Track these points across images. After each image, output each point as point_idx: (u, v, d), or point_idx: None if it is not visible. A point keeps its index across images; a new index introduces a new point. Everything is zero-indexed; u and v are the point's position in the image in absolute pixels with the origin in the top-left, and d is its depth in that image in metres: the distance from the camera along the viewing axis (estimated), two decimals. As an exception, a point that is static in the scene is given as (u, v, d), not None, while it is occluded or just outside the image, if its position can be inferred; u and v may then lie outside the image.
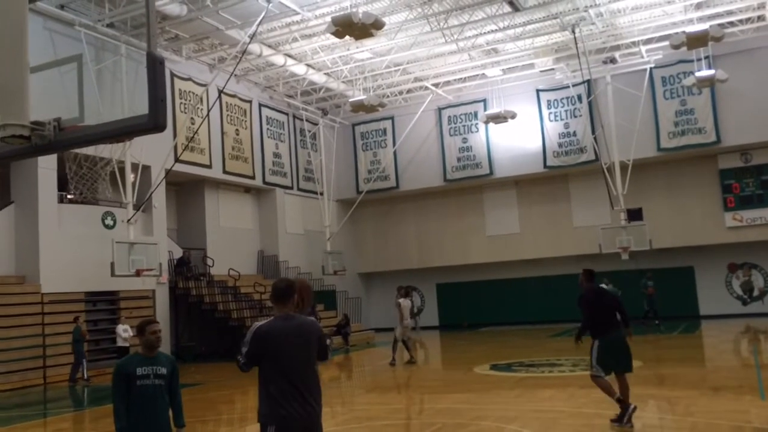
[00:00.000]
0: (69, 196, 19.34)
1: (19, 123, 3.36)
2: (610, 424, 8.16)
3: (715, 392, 10.81)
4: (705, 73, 21.91)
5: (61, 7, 16.91)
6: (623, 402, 8.11)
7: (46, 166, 17.41)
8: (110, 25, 17.86)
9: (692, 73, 22.61)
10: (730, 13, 21.22)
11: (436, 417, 10.04)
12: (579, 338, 8.67)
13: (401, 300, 16.89)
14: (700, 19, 20.76)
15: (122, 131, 3.57)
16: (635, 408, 8.09)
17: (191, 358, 20.65)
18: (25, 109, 3.41)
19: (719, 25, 21.00)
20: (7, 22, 3.47)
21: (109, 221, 19.23)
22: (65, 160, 16.71)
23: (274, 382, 4.20)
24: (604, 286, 22.11)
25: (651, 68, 24.28)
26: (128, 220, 18.33)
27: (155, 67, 3.23)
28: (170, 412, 4.98)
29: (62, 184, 18.60)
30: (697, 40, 19.36)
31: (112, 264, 17.28)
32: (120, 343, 16.91)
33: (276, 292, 4.42)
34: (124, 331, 16.88)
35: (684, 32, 19.65)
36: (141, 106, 3.39)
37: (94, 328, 18.51)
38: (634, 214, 24.35)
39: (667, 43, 21.34)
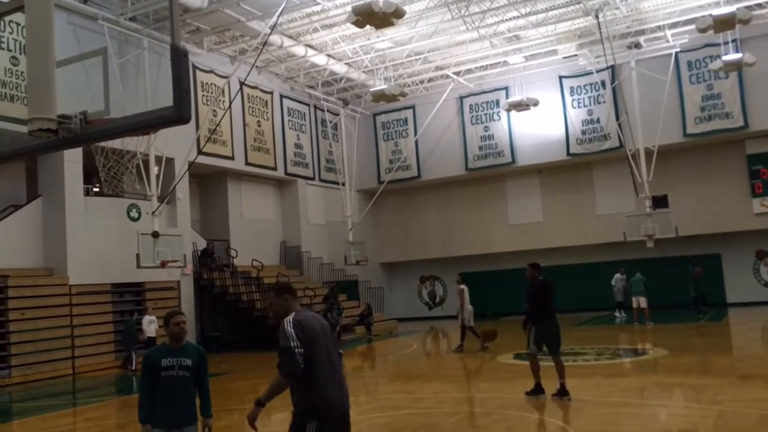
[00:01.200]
0: (95, 189, 19.61)
1: (46, 117, 3.40)
2: (552, 398, 9.31)
3: (743, 381, 10.66)
4: (732, 56, 21.47)
5: (84, 1, 17.06)
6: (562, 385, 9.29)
7: (72, 159, 17.64)
8: (132, 19, 17.97)
9: (719, 56, 22.16)
10: (757, -6, 20.78)
11: (460, 406, 10.05)
12: (526, 326, 9.70)
13: (463, 286, 16.86)
14: (727, 2, 20.30)
15: (147, 123, 3.59)
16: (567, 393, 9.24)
17: (216, 348, 20.87)
18: (52, 103, 3.45)
19: (746, 7, 20.52)
20: (34, 17, 3.50)
21: (134, 213, 19.45)
22: (94, 153, 16.92)
23: (314, 371, 4.17)
24: (618, 275, 22.05)
25: (676, 52, 23.86)
26: (153, 212, 18.53)
27: (179, 59, 3.24)
28: (197, 402, 5.02)
29: (88, 177, 18.85)
30: (723, 23, 18.96)
31: (138, 256, 17.50)
32: (148, 334, 17.10)
33: (289, 287, 4.48)
34: (150, 323, 17.08)
35: (710, 15, 19.26)
36: (164, 99, 3.41)
37: (121, 319, 18.77)
38: (660, 201, 24.01)
39: (693, 26, 20.94)
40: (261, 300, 21.82)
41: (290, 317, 4.27)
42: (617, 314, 22.05)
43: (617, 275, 22.16)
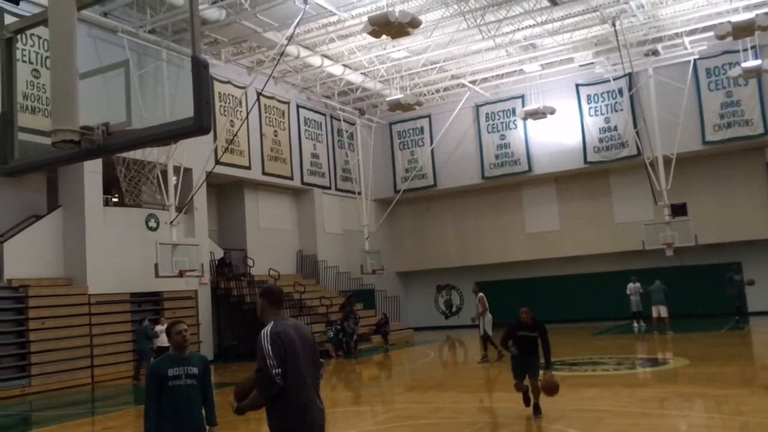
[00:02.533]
0: (114, 199, 19.80)
1: (69, 128, 3.45)
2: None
3: (766, 391, 10.49)
4: (751, 63, 21.27)
5: (105, 14, 17.31)
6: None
7: (92, 169, 17.83)
8: (152, 31, 18.21)
9: (738, 63, 21.98)
10: (777, 0, 20.58)
11: (478, 416, 9.98)
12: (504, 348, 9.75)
13: (482, 294, 16.79)
14: (746, 8, 20.17)
15: (168, 134, 3.63)
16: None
17: (233, 357, 20.93)
18: (74, 114, 3.49)
19: (765, 13, 20.32)
20: (57, 30, 3.56)
21: (152, 223, 19.61)
22: (115, 164, 17.13)
23: (293, 387, 4.04)
24: (631, 284, 21.65)
25: (695, 60, 23.69)
26: (171, 222, 18.67)
27: (200, 70, 3.27)
28: (203, 411, 5.03)
29: (107, 188, 19.05)
30: (743, 30, 18.82)
31: (156, 265, 17.63)
32: (158, 343, 17.09)
33: (276, 294, 4.32)
34: (161, 332, 17.06)
35: (729, 22, 19.13)
36: (183, 109, 3.45)
37: (139, 328, 18.87)
38: (679, 210, 23.78)
39: (711, 33, 20.79)
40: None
41: (268, 329, 4.09)
42: (636, 324, 21.72)
43: (631, 284, 21.77)
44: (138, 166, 17.37)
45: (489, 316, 16.74)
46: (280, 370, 3.97)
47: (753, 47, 22.09)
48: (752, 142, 23.65)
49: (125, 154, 16.75)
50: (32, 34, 15.52)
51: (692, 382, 11.71)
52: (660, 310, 19.76)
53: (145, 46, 18.13)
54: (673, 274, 23.52)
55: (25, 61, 15.71)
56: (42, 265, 17.39)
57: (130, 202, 18.58)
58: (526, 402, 9.42)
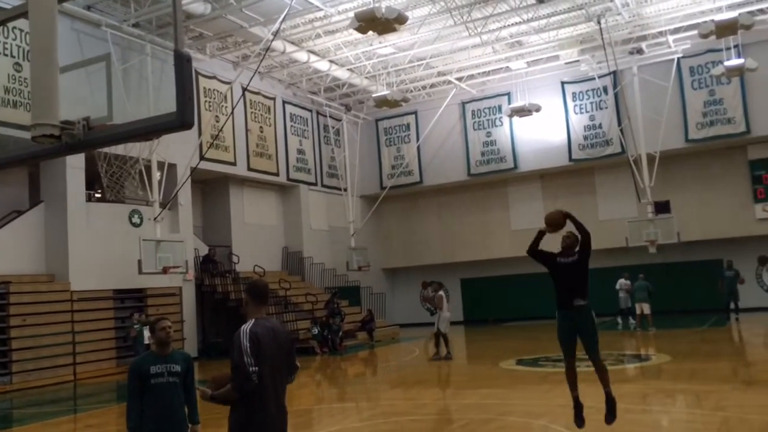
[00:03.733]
0: (97, 195, 19.61)
1: (49, 122, 3.40)
2: None
3: (747, 386, 10.63)
4: (734, 62, 21.48)
5: (88, 8, 17.12)
6: None
7: (75, 165, 17.65)
8: (136, 25, 18.04)
9: (721, 62, 22.19)
10: None
11: (463, 412, 10.01)
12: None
13: (441, 292, 16.93)
14: (729, 7, 20.35)
15: (150, 129, 3.59)
16: None
17: (217, 354, 20.83)
18: (55, 108, 3.44)
19: (749, 12, 20.53)
20: (37, 23, 3.50)
21: (136, 219, 19.46)
22: (96, 159, 16.96)
23: (261, 388, 4.03)
24: (622, 280, 21.82)
25: (678, 58, 23.88)
26: (155, 218, 18.53)
27: (182, 64, 3.23)
28: (186, 409, 5.01)
29: (90, 183, 18.86)
30: (726, 29, 18.98)
31: (140, 261, 17.50)
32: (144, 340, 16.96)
33: (260, 291, 4.28)
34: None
35: (713, 21, 19.27)
36: (166, 104, 3.41)
37: (122, 326, 18.75)
38: (662, 207, 23.98)
39: (695, 32, 20.94)
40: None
41: (247, 327, 4.08)
42: (619, 320, 21.92)
43: (621, 280, 21.96)
44: (119, 161, 17.18)
45: (447, 314, 16.78)
46: (257, 368, 3.97)
47: (736, 46, 22.29)
48: (734, 141, 23.88)
49: (106, 149, 16.58)
50: (14, 27, 15.30)
51: (674, 378, 11.82)
52: (643, 307, 19.98)
53: (129, 40, 17.97)
54: (656, 271, 23.71)
55: (6, 55, 15.50)
56: (24, 260, 17.20)
57: (111, 198, 18.39)
58: (579, 419, 7.27)
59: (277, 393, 4.15)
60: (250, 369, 3.95)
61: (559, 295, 7.43)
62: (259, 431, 4.03)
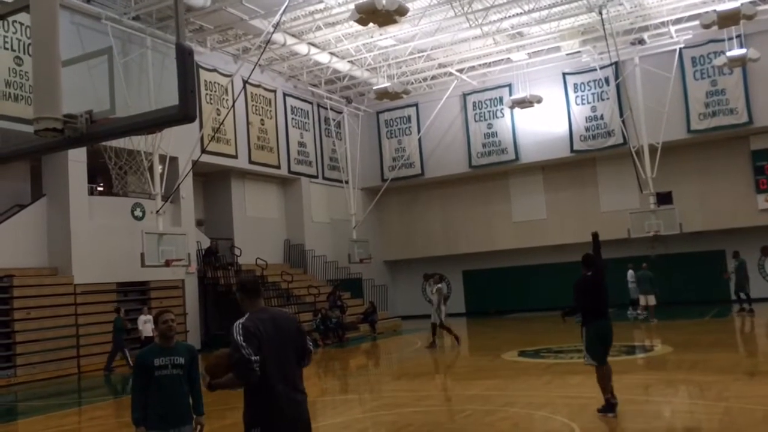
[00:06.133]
0: (99, 188, 19.63)
1: (52, 116, 3.41)
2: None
3: (749, 377, 10.64)
4: (736, 52, 21.41)
5: (88, 1, 17.09)
6: None
7: (77, 158, 17.67)
8: (136, 18, 18.00)
9: (723, 52, 22.11)
10: (762, -10, 20.70)
11: (465, 404, 10.04)
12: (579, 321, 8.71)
13: (441, 285, 17.50)
14: (731, -3, 20.26)
15: (153, 123, 3.60)
16: None
17: (220, 346, 20.87)
18: (57, 102, 3.45)
19: (751, 2, 20.45)
20: (39, 16, 3.51)
21: (138, 212, 19.49)
22: (102, 152, 16.99)
23: (268, 381, 4.03)
24: (631, 272, 21.67)
25: (680, 48, 23.80)
26: (157, 211, 18.55)
27: (185, 58, 3.24)
28: (190, 400, 5.02)
29: (92, 176, 18.88)
30: (728, 19, 18.91)
31: (142, 255, 17.53)
32: (145, 333, 17.02)
33: (249, 286, 4.31)
34: (145, 322, 17.00)
35: (715, 11, 19.20)
36: (168, 97, 3.41)
37: (125, 318, 18.79)
38: (664, 198, 23.95)
39: (697, 22, 20.88)
40: (264, 299, 21.79)
41: (240, 322, 4.09)
42: (630, 311, 21.60)
43: (630, 271, 21.75)
44: (127, 154, 17.26)
45: (443, 308, 17.33)
46: (257, 357, 3.96)
47: (738, 36, 22.20)
48: (737, 131, 23.83)
49: (114, 143, 16.63)
50: (14, 21, 15.28)
51: (676, 369, 11.85)
52: (648, 299, 19.86)
53: (129, 33, 17.92)
54: (658, 262, 23.69)
55: (7, 48, 15.49)
56: (27, 254, 17.24)
57: (117, 191, 18.45)
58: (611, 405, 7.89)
59: (288, 379, 4.14)
60: (252, 359, 3.93)
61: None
62: (272, 419, 4.04)
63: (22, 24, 15.44)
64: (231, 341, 4.02)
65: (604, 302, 8.43)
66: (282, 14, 18.42)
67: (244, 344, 3.96)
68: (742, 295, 20.34)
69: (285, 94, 25.95)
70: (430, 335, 17.52)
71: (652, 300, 19.81)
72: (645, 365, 12.95)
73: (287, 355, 4.18)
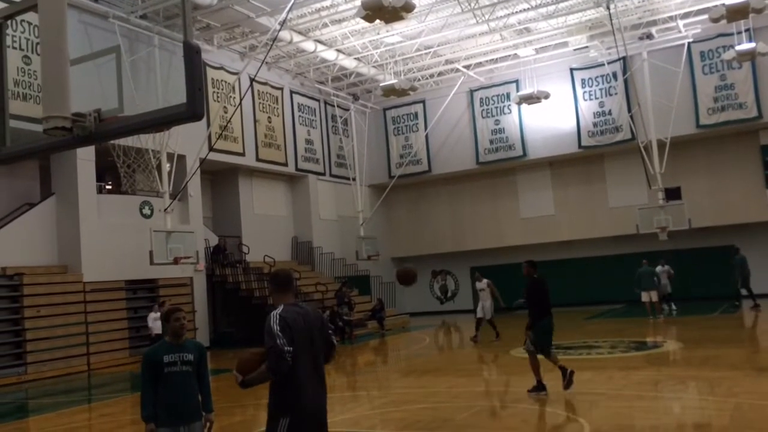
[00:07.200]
0: (107, 187, 19.71)
1: (61, 115, 3.42)
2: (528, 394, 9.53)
3: (759, 373, 10.59)
4: (745, 46, 21.26)
5: (95, 0, 17.14)
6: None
7: (85, 157, 17.75)
8: (143, 17, 18.06)
9: (732, 46, 21.96)
10: (771, -17, 20.51)
11: (474, 400, 10.04)
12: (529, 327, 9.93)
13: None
14: (740, -9, 20.09)
15: (161, 121, 3.60)
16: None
17: (229, 344, 20.97)
18: (66, 101, 3.46)
19: (760, -4, 20.31)
20: (47, 16, 3.52)
21: (146, 210, 19.56)
22: (111, 151, 17.08)
23: (296, 373, 4.09)
24: (659, 267, 21.12)
25: (689, 43, 23.66)
26: (165, 209, 18.62)
27: (192, 56, 3.24)
28: (199, 398, 5.05)
29: (100, 175, 18.96)
30: (737, 13, 18.78)
31: (151, 252, 17.60)
32: (155, 330, 17.09)
33: (282, 279, 4.38)
34: (155, 320, 17.07)
35: (723, 5, 19.07)
36: (175, 95, 3.42)
37: (134, 316, 18.91)
38: (673, 193, 23.85)
39: (705, 16, 20.76)
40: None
41: (277, 312, 4.16)
42: (665, 306, 21.13)
43: (659, 267, 20.84)
44: (136, 153, 17.34)
45: (488, 302, 17.63)
46: (291, 348, 4.02)
47: (747, 30, 22.07)
48: (746, 126, 23.68)
49: (122, 141, 16.72)
50: (23, 20, 15.36)
51: (686, 365, 11.81)
52: (651, 295, 19.60)
53: (136, 31, 17.98)
54: (667, 257, 23.60)
55: (15, 48, 15.56)
56: (36, 253, 17.35)
57: (126, 189, 18.54)
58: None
59: (316, 372, 4.23)
60: (285, 349, 4.00)
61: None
62: (299, 411, 4.09)
63: (30, 23, 15.51)
64: (266, 330, 4.08)
65: (549, 302, 9.91)
66: (288, 12, 18.40)
67: (280, 334, 4.03)
68: (744, 292, 20.25)
69: (292, 92, 25.97)
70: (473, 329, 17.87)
71: (654, 296, 19.60)
72: (654, 361, 12.89)
73: (315, 349, 4.26)
